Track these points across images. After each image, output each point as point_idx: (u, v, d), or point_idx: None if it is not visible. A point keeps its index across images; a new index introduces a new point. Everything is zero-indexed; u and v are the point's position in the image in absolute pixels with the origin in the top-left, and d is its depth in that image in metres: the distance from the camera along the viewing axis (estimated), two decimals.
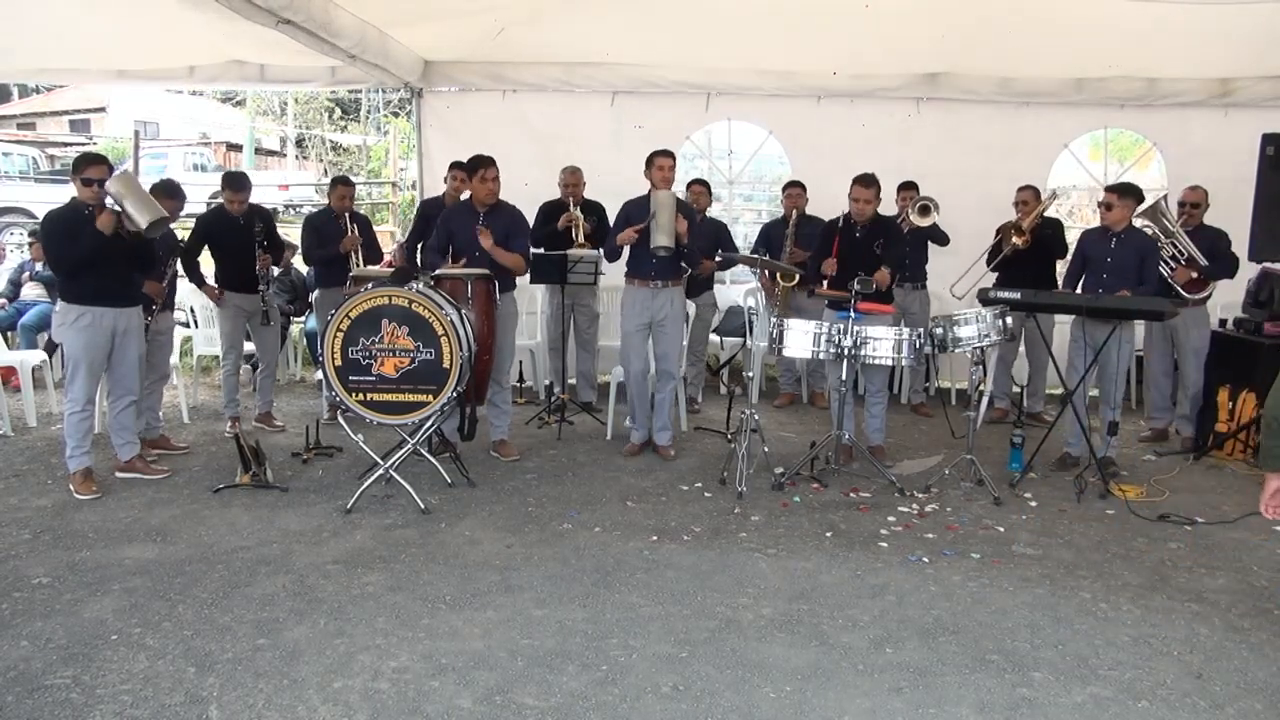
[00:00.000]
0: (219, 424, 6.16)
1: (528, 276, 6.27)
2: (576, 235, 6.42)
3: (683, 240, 5.24)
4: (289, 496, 4.79)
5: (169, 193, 5.45)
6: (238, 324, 6.01)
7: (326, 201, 6.75)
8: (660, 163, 5.30)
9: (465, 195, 5.62)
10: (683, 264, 5.52)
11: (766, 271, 6.62)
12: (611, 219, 5.85)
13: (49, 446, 5.62)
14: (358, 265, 6.20)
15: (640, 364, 5.57)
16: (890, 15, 5.96)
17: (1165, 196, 6.10)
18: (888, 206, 6.26)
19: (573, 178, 6.60)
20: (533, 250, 6.50)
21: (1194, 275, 5.78)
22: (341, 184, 6.51)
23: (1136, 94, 7.22)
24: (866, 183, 5.41)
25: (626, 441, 5.75)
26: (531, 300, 7.19)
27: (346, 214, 6.31)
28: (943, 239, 6.64)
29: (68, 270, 4.69)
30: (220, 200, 6.10)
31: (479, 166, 5.30)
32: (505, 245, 5.35)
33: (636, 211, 5.39)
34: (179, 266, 5.76)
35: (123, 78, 7.42)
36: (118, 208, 4.59)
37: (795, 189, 6.96)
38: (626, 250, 5.50)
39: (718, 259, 6.79)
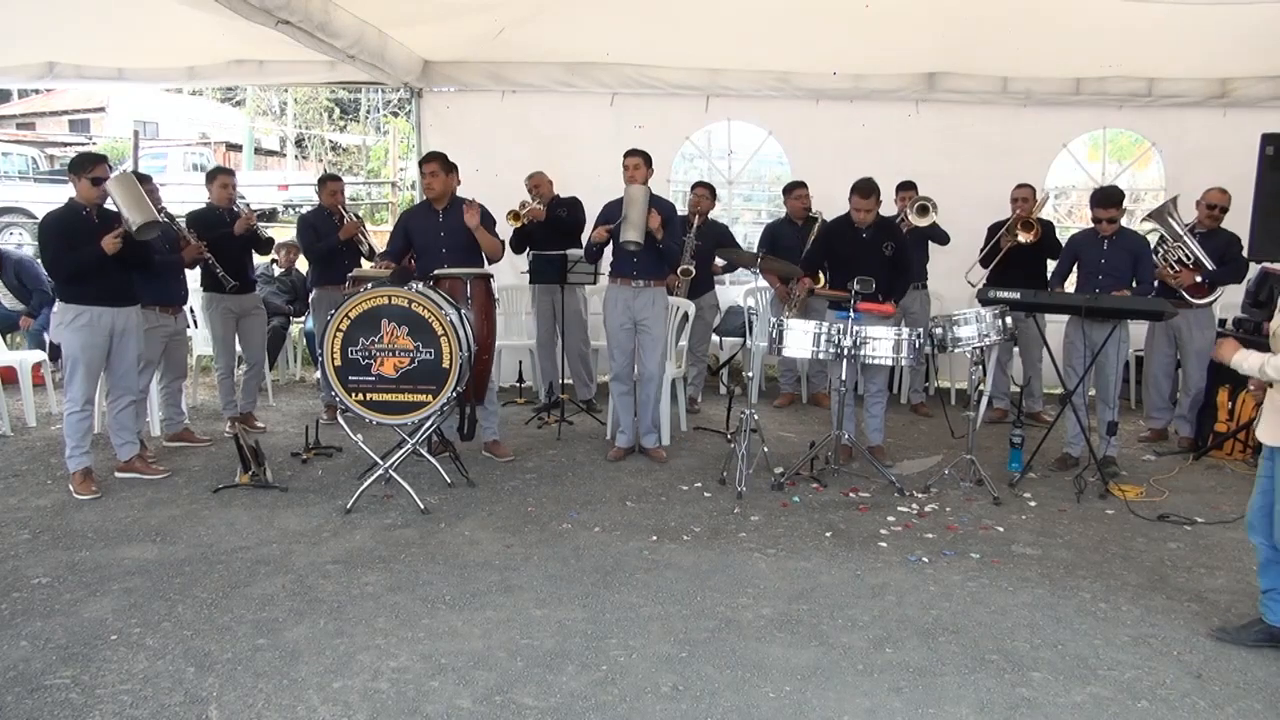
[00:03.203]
0: (219, 424, 6.17)
1: (528, 277, 6.28)
2: (521, 208, 6.52)
3: (656, 236, 5.20)
4: (289, 496, 4.79)
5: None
6: (227, 325, 6.00)
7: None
8: (626, 162, 5.35)
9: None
10: (680, 265, 5.50)
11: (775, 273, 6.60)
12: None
13: (49, 446, 5.63)
14: (369, 248, 6.21)
15: (623, 365, 5.52)
16: (890, 15, 5.96)
17: (1176, 199, 6.05)
18: (887, 207, 6.26)
19: (531, 180, 6.79)
20: (534, 251, 6.54)
21: (1198, 279, 5.77)
22: (331, 180, 6.54)
23: (1135, 94, 7.21)
24: (865, 192, 5.38)
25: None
26: (531, 300, 7.18)
27: (340, 208, 6.33)
28: (943, 238, 6.63)
29: (65, 275, 4.71)
30: (204, 204, 6.01)
31: (422, 163, 5.33)
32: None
33: (614, 210, 5.37)
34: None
35: (123, 78, 7.42)
36: (114, 208, 4.63)
37: (801, 190, 6.91)
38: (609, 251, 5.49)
39: (720, 260, 6.79)
